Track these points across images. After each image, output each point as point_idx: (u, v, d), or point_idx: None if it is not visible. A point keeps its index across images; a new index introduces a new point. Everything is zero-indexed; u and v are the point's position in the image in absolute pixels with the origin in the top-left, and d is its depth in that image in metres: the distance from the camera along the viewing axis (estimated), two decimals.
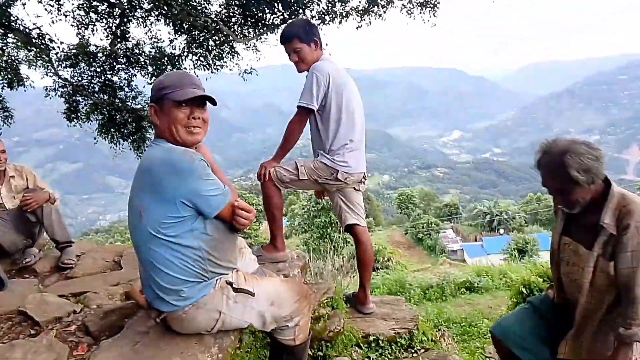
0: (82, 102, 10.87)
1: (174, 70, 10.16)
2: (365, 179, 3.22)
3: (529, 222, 50.92)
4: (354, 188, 3.19)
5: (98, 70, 10.66)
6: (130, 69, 11.06)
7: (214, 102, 1.98)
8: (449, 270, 13.52)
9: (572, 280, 2.14)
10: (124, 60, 10.86)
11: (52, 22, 10.03)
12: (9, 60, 9.49)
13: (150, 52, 10.99)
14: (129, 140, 11.26)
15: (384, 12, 10.52)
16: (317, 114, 2.98)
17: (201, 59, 10.77)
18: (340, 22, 10.42)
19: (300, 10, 10.23)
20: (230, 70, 11.12)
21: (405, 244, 46.28)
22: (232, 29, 10.57)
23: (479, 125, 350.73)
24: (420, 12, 10.32)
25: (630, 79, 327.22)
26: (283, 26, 10.33)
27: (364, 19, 10.46)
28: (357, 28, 10.63)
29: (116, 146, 11.26)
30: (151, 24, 10.80)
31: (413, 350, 3.18)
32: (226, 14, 10.52)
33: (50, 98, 10.70)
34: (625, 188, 2.03)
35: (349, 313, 3.37)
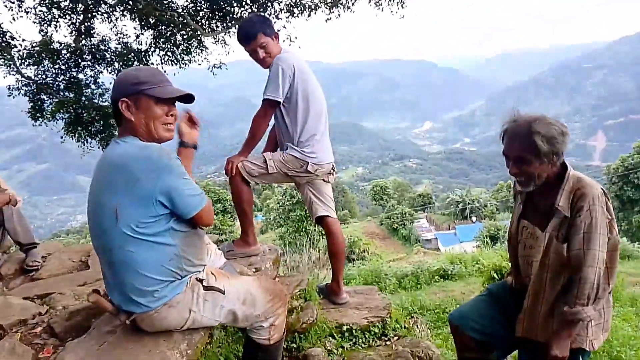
0: (47, 100, 10.61)
1: (141, 65, 10.01)
2: (334, 170, 3.22)
3: (500, 209, 52.01)
4: (323, 180, 3.18)
5: (63, 67, 10.42)
6: (96, 66, 10.87)
7: (190, 100, 1.99)
8: (423, 259, 13.74)
9: (528, 263, 2.19)
10: (90, 57, 10.65)
11: (13, 19, 9.72)
12: None
13: (116, 48, 10.80)
14: (97, 139, 11.06)
15: (353, 4, 10.53)
16: (282, 106, 2.96)
17: (169, 54, 10.64)
18: (309, 15, 10.39)
19: (269, 3, 10.16)
20: (199, 64, 11.01)
21: (381, 234, 46.73)
22: (200, 23, 10.46)
23: (449, 115, 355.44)
24: (389, 4, 10.36)
25: (594, 67, 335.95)
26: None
27: (333, 11, 10.44)
28: (326, 20, 10.61)
29: (84, 145, 11.04)
30: (116, 19, 10.62)
31: (386, 338, 3.21)
32: (193, 8, 10.39)
33: (14, 97, 10.42)
34: (591, 173, 2.10)
35: (323, 304, 3.37)
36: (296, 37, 10.47)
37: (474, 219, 49.03)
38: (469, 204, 52.81)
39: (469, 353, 2.39)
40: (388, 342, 3.17)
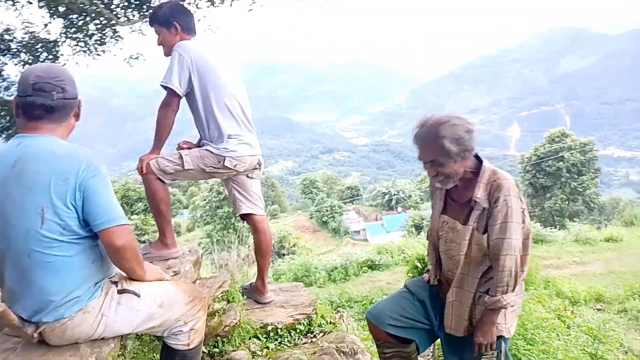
0: None
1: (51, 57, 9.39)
2: (260, 165, 3.08)
3: (423, 199, 53.95)
4: (247, 176, 3.06)
5: None
6: (1, 57, 10.05)
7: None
8: (352, 250, 13.95)
9: (450, 257, 2.23)
10: None
11: None
12: None
13: (22, 38, 10.04)
14: (3, 136, 10.25)
15: None
16: (191, 98, 2.82)
17: (80, 44, 10.00)
18: (231, 4, 10.13)
19: None
20: (115, 55, 10.47)
21: (311, 228, 47.09)
22: (114, 12, 9.92)
23: (375, 109, 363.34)
24: None
25: (510, 61, 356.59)
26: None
27: (255, 1, 10.24)
28: (249, 10, 10.39)
29: None
30: (22, 7, 9.85)
31: (312, 335, 3.18)
32: None
33: None
34: (508, 163, 2.17)
35: (247, 304, 3.27)
36: (217, 27, 10.25)
37: (399, 209, 50.54)
38: (394, 194, 54.33)
39: (388, 348, 2.40)
40: (314, 339, 3.14)
